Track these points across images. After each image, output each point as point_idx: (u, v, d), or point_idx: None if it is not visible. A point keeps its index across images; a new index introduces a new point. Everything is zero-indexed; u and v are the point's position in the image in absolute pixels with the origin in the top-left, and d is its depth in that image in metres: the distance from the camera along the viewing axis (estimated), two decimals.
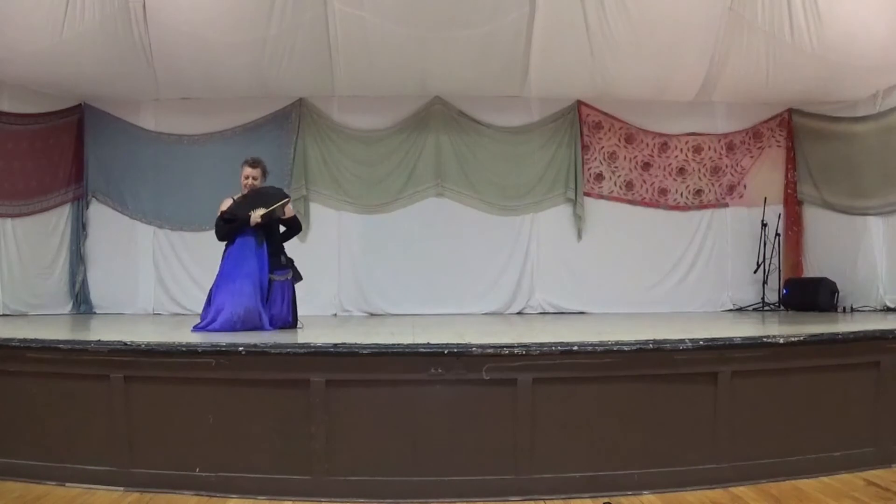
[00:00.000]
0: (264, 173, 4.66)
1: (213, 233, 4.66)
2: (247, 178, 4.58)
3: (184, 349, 3.24)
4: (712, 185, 7.34)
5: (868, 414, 3.48)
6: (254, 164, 4.62)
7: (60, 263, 6.91)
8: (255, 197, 4.53)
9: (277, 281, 4.56)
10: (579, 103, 7.21)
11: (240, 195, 4.60)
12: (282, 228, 4.73)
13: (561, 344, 3.19)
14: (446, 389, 3.18)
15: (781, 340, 3.36)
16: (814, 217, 7.27)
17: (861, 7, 5.59)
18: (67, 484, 3.22)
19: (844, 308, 6.47)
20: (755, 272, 7.22)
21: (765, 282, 7.16)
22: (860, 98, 6.56)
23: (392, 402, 3.18)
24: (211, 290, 4.54)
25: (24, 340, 3.38)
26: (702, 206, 7.33)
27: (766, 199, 7.25)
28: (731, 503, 3.04)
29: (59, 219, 6.91)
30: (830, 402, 3.43)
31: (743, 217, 7.36)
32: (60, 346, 3.34)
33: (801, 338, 3.40)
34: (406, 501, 3.07)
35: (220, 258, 4.56)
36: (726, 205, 7.37)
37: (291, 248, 4.81)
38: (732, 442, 3.26)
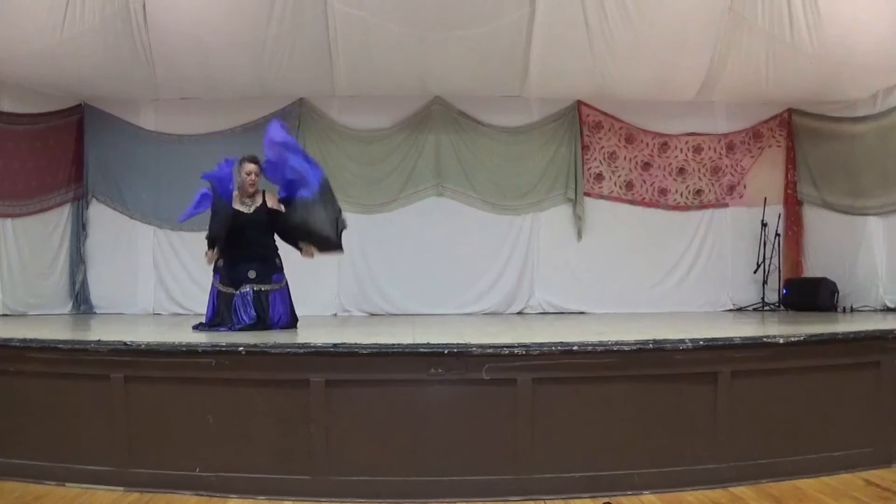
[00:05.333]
0: (261, 170, 4.60)
1: None
2: (249, 173, 4.52)
3: (184, 349, 3.24)
4: (712, 185, 7.34)
5: (868, 414, 3.48)
6: (253, 159, 4.57)
7: (60, 263, 6.91)
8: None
9: (275, 290, 4.52)
10: (579, 103, 7.21)
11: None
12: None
13: (561, 344, 3.19)
14: (446, 389, 3.18)
15: (781, 340, 3.36)
16: (814, 217, 7.27)
17: (861, 7, 5.59)
18: (67, 484, 3.23)
19: (844, 308, 6.47)
20: (755, 272, 7.22)
21: (765, 282, 7.16)
22: (860, 98, 6.56)
23: (392, 402, 3.19)
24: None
25: (24, 340, 3.39)
26: (702, 206, 7.33)
27: (766, 199, 7.25)
28: (731, 503, 3.04)
29: (59, 219, 6.90)
30: (830, 402, 3.44)
31: (743, 217, 7.36)
32: (60, 346, 3.34)
33: (801, 338, 3.40)
34: (406, 501, 3.07)
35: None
36: (726, 205, 7.37)
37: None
38: (732, 442, 3.27)
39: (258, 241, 4.54)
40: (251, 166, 4.55)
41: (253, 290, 4.43)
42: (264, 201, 4.61)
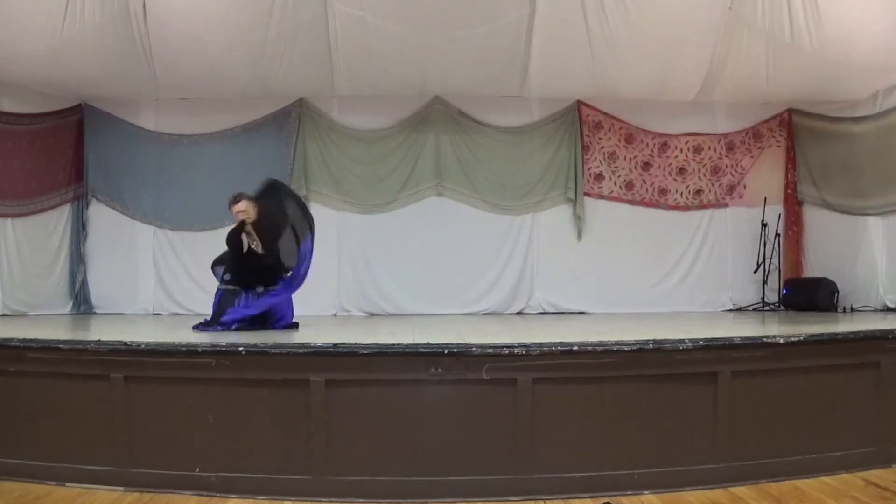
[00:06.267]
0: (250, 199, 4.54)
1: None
2: (236, 214, 4.44)
3: (184, 349, 3.24)
4: (712, 185, 7.34)
5: (868, 414, 3.49)
6: (236, 199, 4.48)
7: (60, 263, 6.90)
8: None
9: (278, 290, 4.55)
10: (579, 103, 7.21)
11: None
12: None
13: (561, 344, 3.19)
14: (446, 389, 3.18)
15: (781, 340, 3.36)
16: (814, 217, 7.27)
17: (861, 7, 5.59)
18: (67, 484, 3.23)
19: (844, 308, 6.47)
20: (755, 272, 7.22)
21: (765, 282, 7.16)
22: (860, 98, 6.56)
23: (392, 402, 3.19)
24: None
25: (24, 340, 3.39)
26: (702, 206, 7.33)
27: (766, 199, 7.25)
28: (731, 503, 3.04)
29: (59, 219, 6.89)
30: (830, 402, 3.44)
31: (743, 217, 7.36)
32: (60, 346, 3.35)
33: (801, 338, 3.41)
34: (406, 501, 3.07)
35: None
36: (726, 205, 7.37)
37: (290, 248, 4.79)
38: (732, 442, 3.27)
39: (269, 272, 4.53)
40: (237, 206, 4.47)
41: (258, 291, 4.46)
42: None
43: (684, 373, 3.26)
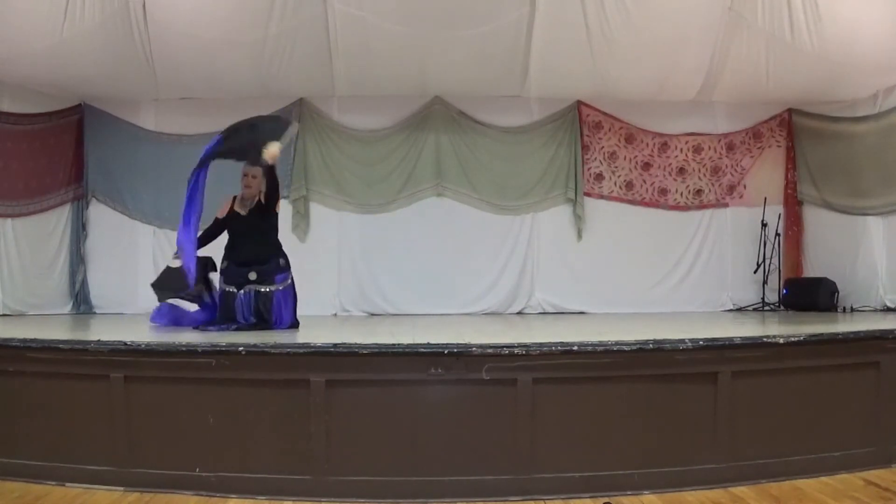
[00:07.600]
0: (266, 175, 4.43)
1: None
2: (245, 175, 4.45)
3: (184, 349, 3.24)
4: (712, 185, 7.34)
5: (868, 414, 3.48)
6: (254, 161, 4.39)
7: (60, 263, 6.90)
8: None
9: (278, 290, 4.48)
10: (579, 103, 7.21)
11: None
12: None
13: (561, 344, 3.19)
14: (446, 389, 3.18)
15: (781, 340, 3.36)
16: (814, 217, 7.27)
17: (861, 7, 5.59)
18: (67, 484, 3.22)
19: (844, 308, 6.47)
20: (755, 272, 7.22)
21: (765, 282, 7.16)
22: (860, 98, 6.56)
23: (392, 402, 3.19)
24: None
25: (24, 340, 3.38)
26: (702, 206, 7.33)
27: (766, 199, 7.25)
28: (731, 503, 3.04)
29: (59, 219, 6.89)
30: (830, 402, 3.44)
31: (743, 217, 7.36)
32: (60, 346, 3.34)
33: (801, 338, 3.40)
34: (406, 501, 3.07)
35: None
36: (726, 205, 7.37)
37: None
38: (732, 442, 3.27)
39: (256, 241, 4.50)
40: (246, 169, 4.48)
41: (254, 291, 4.42)
42: (260, 201, 4.52)
43: (684, 373, 3.26)
